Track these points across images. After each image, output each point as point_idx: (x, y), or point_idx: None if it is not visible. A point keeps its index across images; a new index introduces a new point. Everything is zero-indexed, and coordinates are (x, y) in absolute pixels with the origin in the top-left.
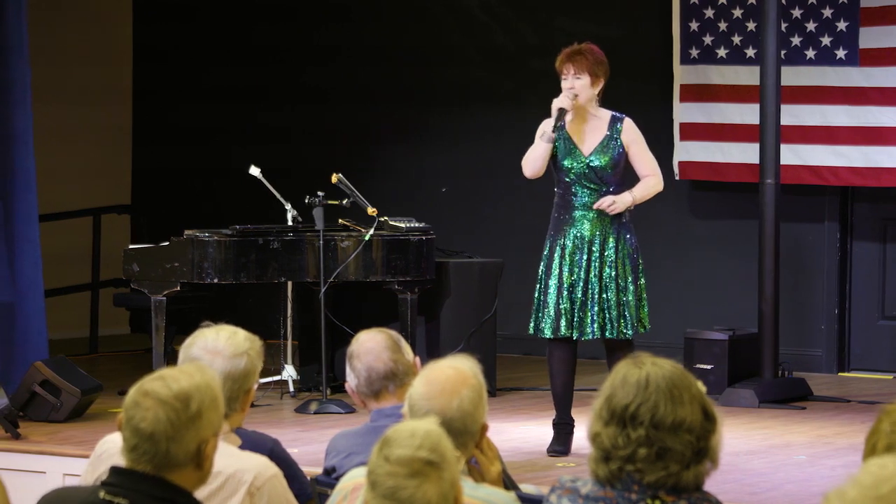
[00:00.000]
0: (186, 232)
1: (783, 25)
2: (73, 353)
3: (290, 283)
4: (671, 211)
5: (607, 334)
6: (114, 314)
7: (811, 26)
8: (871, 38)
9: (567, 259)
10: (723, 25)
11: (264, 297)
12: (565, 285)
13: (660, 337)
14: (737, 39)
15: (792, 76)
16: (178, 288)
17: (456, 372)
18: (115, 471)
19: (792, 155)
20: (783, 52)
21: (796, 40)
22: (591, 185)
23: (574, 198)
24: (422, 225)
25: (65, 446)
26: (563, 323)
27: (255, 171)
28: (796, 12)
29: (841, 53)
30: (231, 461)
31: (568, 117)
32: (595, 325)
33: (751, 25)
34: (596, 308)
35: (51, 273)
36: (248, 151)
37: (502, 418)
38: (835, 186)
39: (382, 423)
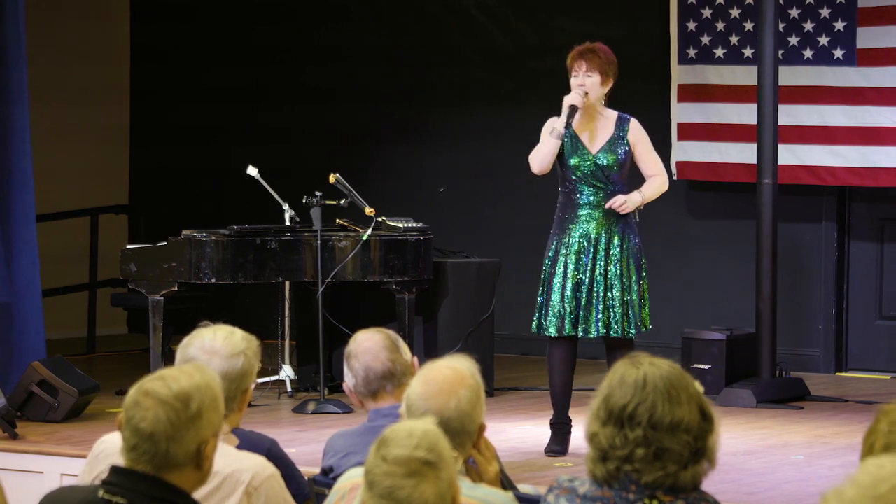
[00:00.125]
0: (184, 232)
1: (781, 25)
2: (70, 353)
3: (287, 283)
4: (669, 211)
5: (612, 333)
6: (111, 314)
7: (809, 26)
8: (869, 38)
9: (573, 257)
10: (720, 25)
11: (262, 297)
12: (570, 284)
13: (658, 337)
14: (734, 39)
15: (789, 76)
16: (176, 288)
17: (454, 372)
18: (115, 470)
19: (789, 155)
20: (781, 52)
21: (794, 40)
22: (597, 184)
23: (579, 196)
24: (419, 225)
25: (62, 446)
26: (567, 322)
27: (252, 171)
28: (794, 12)
29: (838, 53)
30: (228, 461)
31: (576, 115)
32: (600, 324)
33: (748, 25)
34: (601, 307)
35: (48, 273)
36: (248, 151)
37: (500, 418)
38: (832, 186)
39: (380, 422)
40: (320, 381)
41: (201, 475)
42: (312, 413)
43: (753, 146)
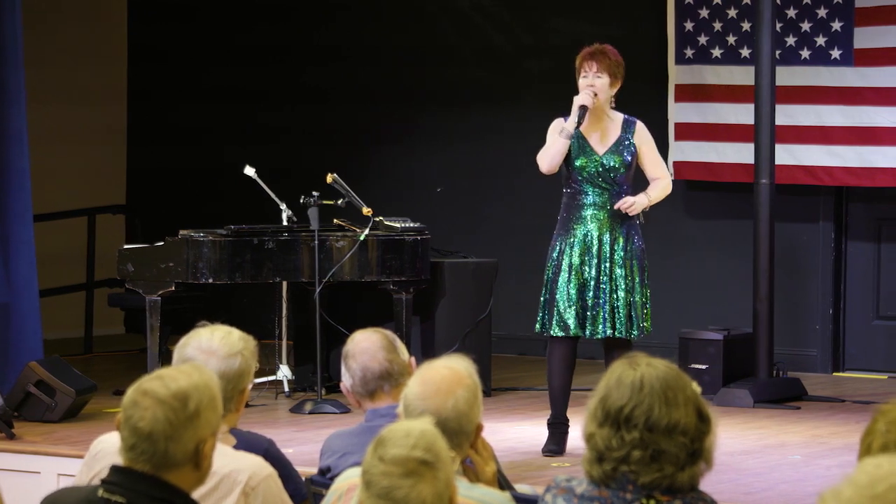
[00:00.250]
0: (181, 232)
1: (778, 25)
2: (67, 354)
3: (284, 283)
4: (666, 211)
5: (616, 333)
6: (108, 314)
7: (806, 26)
8: (866, 38)
9: (578, 258)
10: (717, 25)
11: (259, 297)
12: (575, 284)
13: (655, 337)
14: (731, 39)
15: (787, 76)
16: (173, 288)
17: (451, 372)
18: (114, 469)
19: (787, 155)
20: (778, 53)
21: (791, 40)
22: (603, 185)
23: (584, 197)
24: (417, 225)
25: (59, 446)
26: (572, 322)
27: (249, 171)
28: (791, 12)
29: (835, 53)
30: (226, 461)
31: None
32: (607, 325)
33: (745, 25)
34: (607, 307)
35: (45, 273)
36: (247, 151)
37: (497, 418)
38: (829, 186)
39: (377, 423)
40: (317, 381)
41: (200, 474)
42: (310, 413)
43: (751, 146)
